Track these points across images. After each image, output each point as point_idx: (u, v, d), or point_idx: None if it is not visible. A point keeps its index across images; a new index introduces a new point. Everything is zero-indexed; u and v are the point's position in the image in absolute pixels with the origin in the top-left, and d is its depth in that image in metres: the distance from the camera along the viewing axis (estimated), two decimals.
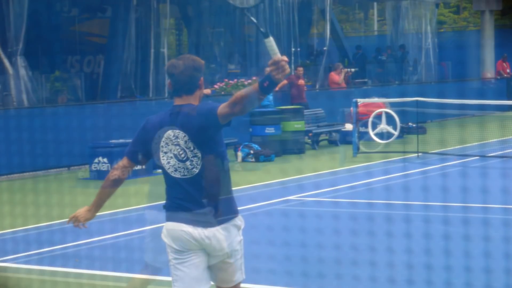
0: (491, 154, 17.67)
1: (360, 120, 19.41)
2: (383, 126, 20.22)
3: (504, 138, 19.90)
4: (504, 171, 15.03)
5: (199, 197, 4.97)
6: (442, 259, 8.62)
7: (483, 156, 17.33)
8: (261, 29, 4.79)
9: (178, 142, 5.01)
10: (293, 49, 24.26)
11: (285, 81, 22.42)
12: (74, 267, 8.72)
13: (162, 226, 5.15)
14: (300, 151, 19.69)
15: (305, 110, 20.80)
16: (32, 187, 15.13)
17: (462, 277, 7.95)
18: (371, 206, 12.02)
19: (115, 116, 17.76)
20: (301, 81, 22.17)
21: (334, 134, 21.38)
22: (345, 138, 20.77)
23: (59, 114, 17.27)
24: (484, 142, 19.47)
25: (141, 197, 12.57)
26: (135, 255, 9.31)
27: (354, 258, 8.74)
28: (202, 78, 5.19)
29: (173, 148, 5.02)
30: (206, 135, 4.98)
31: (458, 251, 8.90)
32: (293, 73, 22.45)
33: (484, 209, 11.58)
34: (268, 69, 4.65)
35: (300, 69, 22.43)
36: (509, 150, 17.90)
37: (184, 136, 5.00)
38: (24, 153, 15.87)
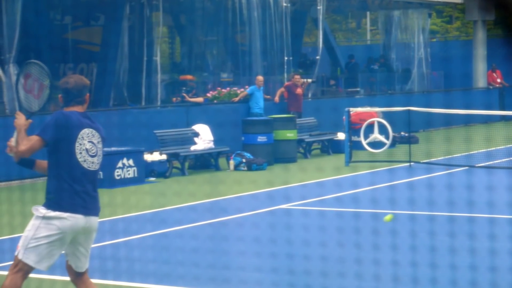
0: (482, 164, 17.72)
1: (352, 129, 19.45)
2: (375, 136, 20.26)
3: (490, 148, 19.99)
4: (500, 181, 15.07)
5: (92, 190, 6.13)
6: (448, 273, 8.64)
7: (471, 166, 17.38)
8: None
9: (92, 140, 6.16)
10: (285, 58, 24.30)
11: (282, 89, 22.50)
12: (62, 274, 8.71)
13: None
14: (292, 160, 19.72)
15: (297, 119, 20.86)
16: (20, 196, 15.10)
17: None
18: (357, 215, 12.05)
19: (107, 124, 17.73)
20: (299, 90, 22.23)
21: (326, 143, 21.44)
22: (337, 147, 20.81)
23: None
24: (472, 152, 19.51)
25: (128, 207, 12.58)
26: (122, 264, 9.33)
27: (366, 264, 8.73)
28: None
29: (86, 143, 6.13)
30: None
31: (464, 265, 8.92)
32: (289, 81, 22.54)
33: (490, 219, 11.59)
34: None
35: (298, 77, 22.48)
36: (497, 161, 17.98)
37: (99, 137, 6.23)
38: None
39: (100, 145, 6.24)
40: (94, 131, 6.22)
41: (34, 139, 6.06)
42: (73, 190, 6.05)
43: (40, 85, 6.37)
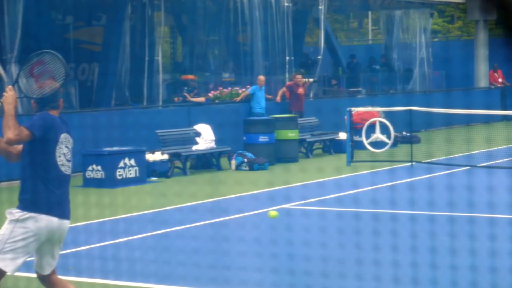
0: (483, 164, 17.72)
1: (354, 129, 19.45)
2: (377, 135, 20.26)
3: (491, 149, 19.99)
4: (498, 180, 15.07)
5: (67, 194, 6.19)
6: (448, 273, 8.65)
7: (472, 166, 17.37)
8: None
9: (68, 145, 6.23)
10: (287, 58, 24.31)
11: (284, 89, 22.52)
12: (63, 274, 8.72)
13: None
14: (294, 159, 19.72)
15: (299, 119, 20.87)
16: None
17: None
18: (358, 216, 12.05)
19: (109, 124, 17.78)
20: (301, 90, 22.25)
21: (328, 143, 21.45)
22: (339, 147, 20.81)
23: None
24: (473, 152, 19.50)
25: (129, 207, 12.59)
26: (123, 264, 9.34)
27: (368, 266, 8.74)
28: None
29: (63, 148, 6.17)
30: None
31: (464, 266, 8.93)
32: (291, 81, 22.56)
33: (491, 219, 11.59)
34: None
35: (299, 77, 22.49)
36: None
37: (72, 143, 6.29)
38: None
39: (71, 151, 6.31)
40: (69, 137, 6.27)
41: (25, 132, 5.94)
42: (50, 191, 6.04)
43: (50, 78, 6.21)
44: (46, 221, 6.03)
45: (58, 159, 6.12)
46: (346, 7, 31.69)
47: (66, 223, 6.20)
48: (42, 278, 6.33)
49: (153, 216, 12.52)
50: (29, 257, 6.20)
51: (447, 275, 8.43)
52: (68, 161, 6.23)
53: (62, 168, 6.15)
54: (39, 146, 6.04)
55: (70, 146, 6.27)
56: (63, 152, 6.17)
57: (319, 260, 9.18)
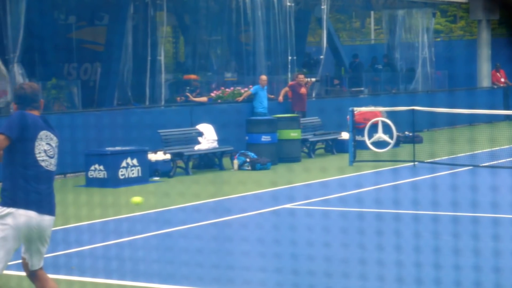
0: (486, 164, 17.70)
1: (356, 128, 19.43)
2: (379, 135, 20.25)
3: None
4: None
5: (49, 190, 6.29)
6: (452, 273, 8.64)
7: (475, 166, 17.35)
8: None
9: (49, 142, 6.32)
10: (289, 58, 24.30)
11: (286, 89, 22.51)
12: (67, 274, 8.73)
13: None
14: (296, 159, 19.72)
15: (301, 119, 20.86)
16: None
17: None
18: (361, 215, 12.05)
19: (111, 124, 17.78)
20: (303, 90, 22.24)
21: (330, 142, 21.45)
22: (341, 147, 20.80)
23: (55, 121, 17.25)
24: (476, 152, 19.48)
25: (132, 206, 12.57)
26: (126, 264, 9.34)
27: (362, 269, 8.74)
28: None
29: (44, 144, 6.28)
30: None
31: (468, 266, 8.92)
32: (293, 81, 22.55)
33: (494, 219, 11.58)
34: None
35: (302, 77, 22.47)
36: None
37: (56, 141, 6.41)
38: None
39: (56, 149, 6.44)
40: (51, 134, 6.38)
41: (2, 139, 6.13)
42: (28, 187, 6.16)
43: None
44: (25, 217, 6.14)
45: (38, 155, 6.25)
46: (349, 6, 31.67)
47: (48, 219, 6.27)
48: (30, 275, 6.42)
49: (156, 216, 12.52)
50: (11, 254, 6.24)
51: (450, 275, 8.42)
52: (50, 157, 6.34)
53: (43, 164, 6.27)
54: (18, 145, 6.20)
55: (53, 144, 6.38)
56: (44, 149, 6.29)
57: (323, 260, 9.18)
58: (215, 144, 18.52)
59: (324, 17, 25.80)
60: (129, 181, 16.06)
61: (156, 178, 16.90)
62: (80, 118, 17.83)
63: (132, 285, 8.38)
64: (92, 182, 15.89)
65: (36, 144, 6.24)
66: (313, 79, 23.91)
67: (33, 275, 6.42)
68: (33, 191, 6.18)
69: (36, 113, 6.36)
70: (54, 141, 6.41)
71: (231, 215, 12.42)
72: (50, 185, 6.36)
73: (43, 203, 6.24)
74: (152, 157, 17.06)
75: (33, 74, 20.62)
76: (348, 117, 19.28)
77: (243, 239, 10.63)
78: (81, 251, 9.90)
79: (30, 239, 6.25)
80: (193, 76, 24.18)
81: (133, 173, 16.24)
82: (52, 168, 6.37)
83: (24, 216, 6.14)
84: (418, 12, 30.81)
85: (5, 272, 7.33)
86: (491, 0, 30.94)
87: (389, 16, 31.62)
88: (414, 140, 19.63)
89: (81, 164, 16.26)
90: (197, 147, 18.27)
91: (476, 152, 19.39)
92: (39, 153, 6.26)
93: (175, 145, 17.96)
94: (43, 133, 6.30)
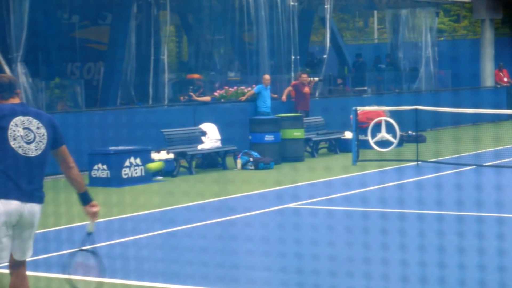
0: (490, 163, 17.68)
1: (359, 128, 19.42)
2: (383, 135, 20.23)
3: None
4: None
5: (30, 177, 6.13)
6: (456, 272, 8.62)
7: (479, 166, 17.33)
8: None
9: (28, 127, 6.18)
10: (293, 57, 24.29)
11: (290, 88, 22.50)
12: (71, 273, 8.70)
13: None
14: (299, 159, 19.71)
15: (305, 118, 20.85)
16: None
17: None
18: (365, 215, 12.03)
19: (115, 123, 17.78)
20: (306, 89, 22.23)
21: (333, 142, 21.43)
22: (344, 146, 20.79)
23: (58, 120, 17.24)
24: (480, 151, 19.45)
25: (136, 206, 12.58)
26: (130, 263, 9.33)
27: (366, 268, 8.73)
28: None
29: (20, 130, 6.15)
30: (54, 138, 6.33)
31: (472, 265, 8.90)
32: (297, 80, 22.53)
33: (499, 219, 11.56)
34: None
35: (305, 76, 22.46)
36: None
37: (38, 123, 6.23)
38: None
39: (41, 131, 6.25)
40: (30, 118, 6.24)
41: None
42: (6, 176, 6.07)
43: None
44: (5, 206, 6.04)
45: (12, 142, 6.10)
46: (352, 6, 31.64)
47: (32, 207, 6.15)
48: (12, 267, 6.34)
49: (161, 215, 12.52)
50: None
51: (455, 274, 8.40)
52: (28, 142, 6.17)
53: (20, 151, 6.12)
54: None
55: (33, 127, 6.21)
56: (20, 135, 6.14)
57: (327, 259, 9.17)
58: (219, 144, 18.51)
59: (328, 16, 25.79)
60: (133, 181, 16.07)
61: (159, 178, 16.89)
62: (83, 118, 17.83)
63: (137, 285, 8.38)
64: (95, 182, 15.89)
65: (10, 131, 6.12)
66: (316, 79, 23.90)
67: (14, 269, 6.32)
68: (12, 179, 6.07)
69: (15, 100, 6.29)
70: (34, 125, 6.24)
71: (235, 214, 12.42)
72: (31, 171, 6.17)
73: (25, 192, 6.10)
74: (155, 156, 17.05)
75: (37, 74, 20.64)
76: (351, 116, 19.27)
77: (247, 238, 10.62)
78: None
79: (15, 227, 6.15)
80: (196, 76, 24.18)
81: (136, 173, 16.25)
82: (33, 153, 6.18)
83: (4, 204, 6.04)
84: (421, 12, 30.78)
85: (2, 270, 7.34)
86: None
87: (393, 15, 31.60)
88: (417, 140, 19.62)
89: (85, 164, 16.25)
90: (200, 147, 18.26)
91: (480, 151, 19.37)
92: (14, 139, 6.13)
93: (178, 144, 17.96)
94: (18, 119, 6.18)
